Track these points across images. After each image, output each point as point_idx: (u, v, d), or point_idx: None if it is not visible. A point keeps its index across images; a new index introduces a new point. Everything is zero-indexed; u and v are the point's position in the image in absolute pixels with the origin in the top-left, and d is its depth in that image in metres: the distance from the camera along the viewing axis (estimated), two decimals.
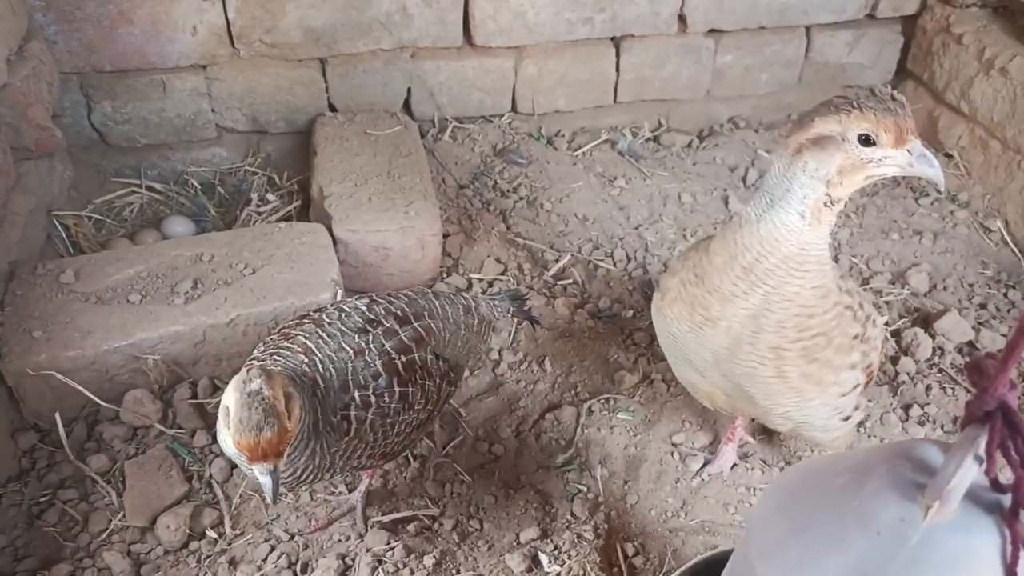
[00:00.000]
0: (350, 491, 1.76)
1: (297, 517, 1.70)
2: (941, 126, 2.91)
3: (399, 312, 1.58)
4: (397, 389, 1.48)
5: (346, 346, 1.46)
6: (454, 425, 1.95)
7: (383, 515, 1.72)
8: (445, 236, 2.39)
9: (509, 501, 1.77)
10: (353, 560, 1.60)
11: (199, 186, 2.72)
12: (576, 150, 2.86)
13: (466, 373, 1.90)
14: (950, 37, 2.83)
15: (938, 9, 2.90)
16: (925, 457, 0.86)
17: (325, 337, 1.47)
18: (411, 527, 1.70)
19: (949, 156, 2.87)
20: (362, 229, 2.19)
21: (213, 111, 2.67)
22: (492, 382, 2.05)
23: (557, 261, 2.38)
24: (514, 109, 2.91)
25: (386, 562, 1.60)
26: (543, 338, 2.15)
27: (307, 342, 1.45)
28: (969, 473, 0.78)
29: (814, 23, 2.96)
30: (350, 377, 1.43)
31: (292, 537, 1.66)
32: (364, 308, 1.57)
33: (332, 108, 2.74)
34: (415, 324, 1.57)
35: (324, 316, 1.54)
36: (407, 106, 2.81)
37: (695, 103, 3.05)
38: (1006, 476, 0.79)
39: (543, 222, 2.53)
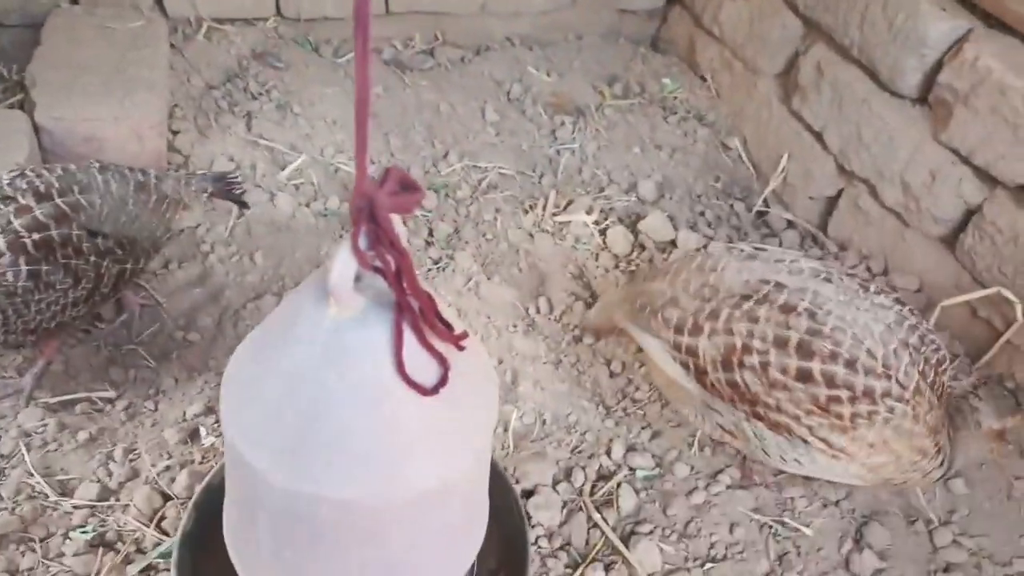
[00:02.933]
0: (20, 374, 1.72)
1: None
2: (698, 48, 3.03)
3: (42, 188, 1.54)
4: (24, 268, 1.46)
5: None
6: (154, 315, 1.93)
7: (53, 397, 1.70)
8: (175, 132, 2.34)
9: (190, 384, 1.77)
10: None
11: None
12: (340, 58, 2.83)
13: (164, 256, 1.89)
14: None
15: None
16: None
17: None
18: (78, 408, 1.68)
19: (703, 79, 3.01)
20: (69, 117, 2.10)
21: None
22: (201, 274, 2.04)
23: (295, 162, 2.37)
24: (279, 13, 2.84)
25: (33, 436, 1.58)
26: (260, 232, 2.14)
27: None
28: (347, 269, 0.83)
29: None
30: None
31: None
32: (6, 183, 1.52)
33: (76, 2, 2.60)
34: (58, 200, 1.53)
35: None
36: (160, 4, 2.70)
37: (470, 18, 3.05)
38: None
39: (289, 124, 2.50)
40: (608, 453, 1.70)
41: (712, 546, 1.53)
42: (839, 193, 2.44)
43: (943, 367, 1.45)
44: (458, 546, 1.02)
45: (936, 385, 1.43)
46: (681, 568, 1.49)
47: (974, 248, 2.05)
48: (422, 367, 0.87)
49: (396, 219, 0.86)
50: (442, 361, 0.88)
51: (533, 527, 1.53)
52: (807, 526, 1.59)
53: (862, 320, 1.39)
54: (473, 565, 1.14)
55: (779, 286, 1.46)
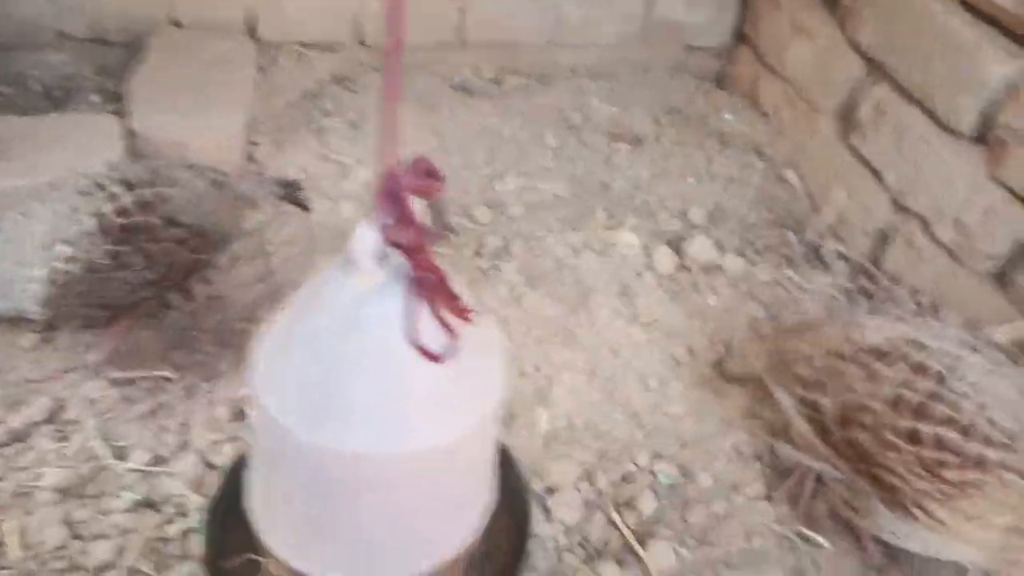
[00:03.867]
0: (92, 350, 1.87)
1: (32, 368, 1.82)
2: (762, 86, 3.08)
3: (132, 178, 1.70)
4: (107, 248, 1.61)
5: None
6: (219, 306, 2.07)
7: (119, 372, 1.84)
8: (254, 144, 2.52)
9: (245, 369, 1.89)
10: (66, 403, 1.72)
11: (41, 89, 2.80)
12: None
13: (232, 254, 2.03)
14: (772, 3, 3.00)
15: None
16: None
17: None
18: (141, 384, 1.82)
19: (766, 115, 3.04)
20: (158, 125, 2.30)
21: (55, 16, 2.75)
22: (265, 272, 2.18)
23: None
24: (362, 42, 3.03)
25: (97, 405, 1.72)
26: (322, 236, 2.27)
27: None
28: (368, 241, 0.92)
29: None
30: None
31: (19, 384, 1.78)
32: (104, 173, 1.70)
33: (178, 24, 2.84)
34: (143, 190, 1.69)
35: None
36: (253, 27, 2.91)
37: (539, 48, 3.18)
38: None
39: (360, 141, 2.65)
40: (634, 460, 1.73)
41: (729, 553, 1.55)
42: (893, 229, 2.43)
43: None
44: (461, 510, 1.09)
45: None
46: (695, 572, 1.51)
47: None
48: (433, 337, 0.95)
49: (417, 201, 0.95)
50: (452, 332, 0.96)
51: (552, 522, 1.57)
52: (830, 543, 1.58)
53: (999, 389, 1.35)
54: (481, 541, 1.20)
55: (920, 346, 1.43)
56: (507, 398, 1.85)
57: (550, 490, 1.63)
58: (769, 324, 2.11)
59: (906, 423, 1.34)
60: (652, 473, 1.69)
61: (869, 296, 2.32)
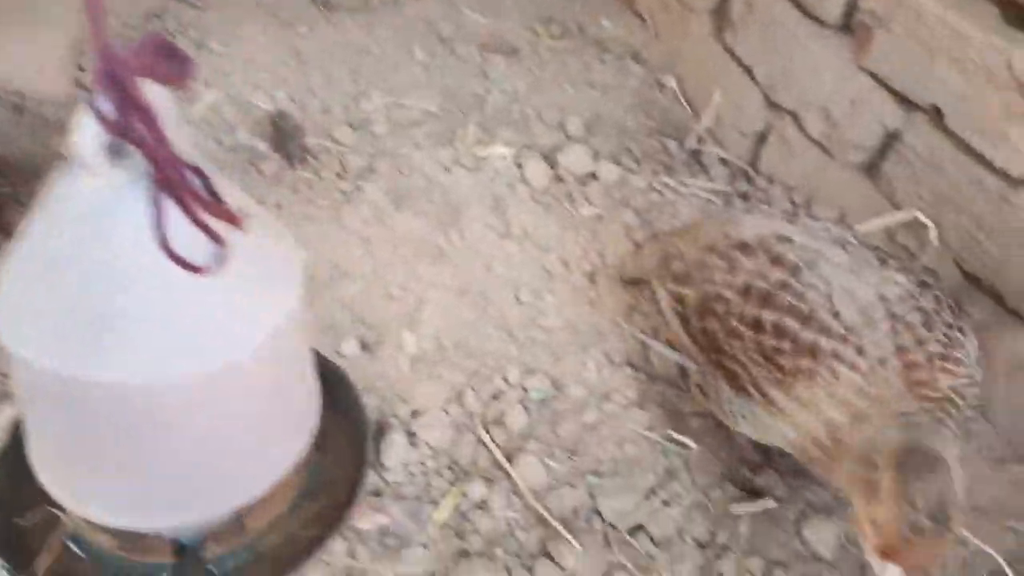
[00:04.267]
0: None
1: None
2: None
3: None
4: None
5: None
6: None
7: None
8: (85, 71, 2.27)
9: None
10: None
11: None
12: None
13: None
14: None
15: None
16: None
17: None
18: None
19: (642, 18, 2.95)
20: None
21: None
22: None
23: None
24: None
25: None
26: None
27: None
28: (89, 135, 0.78)
29: None
30: None
31: None
32: None
33: None
34: None
35: None
36: None
37: None
38: None
39: (205, 62, 2.44)
40: (505, 376, 1.66)
41: (600, 462, 1.51)
42: (768, 126, 2.40)
43: (947, 365, 1.25)
44: (270, 438, 0.98)
45: (919, 368, 1.23)
46: (565, 483, 1.46)
47: (893, 174, 2.01)
48: (196, 245, 0.83)
49: (159, 90, 0.81)
50: (216, 239, 0.84)
51: (418, 447, 1.50)
52: (697, 442, 1.56)
53: (853, 286, 1.30)
54: (314, 469, 1.10)
55: (786, 240, 1.38)
56: (377, 322, 1.76)
57: (416, 413, 1.55)
58: (642, 231, 2.06)
59: (752, 311, 1.31)
60: (523, 388, 1.63)
61: (746, 198, 2.30)
